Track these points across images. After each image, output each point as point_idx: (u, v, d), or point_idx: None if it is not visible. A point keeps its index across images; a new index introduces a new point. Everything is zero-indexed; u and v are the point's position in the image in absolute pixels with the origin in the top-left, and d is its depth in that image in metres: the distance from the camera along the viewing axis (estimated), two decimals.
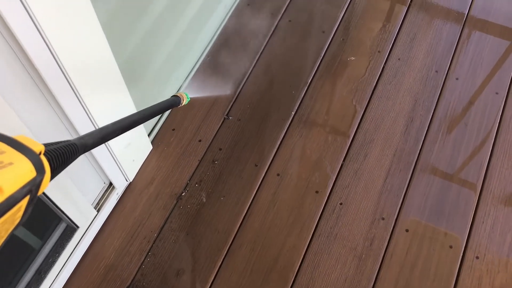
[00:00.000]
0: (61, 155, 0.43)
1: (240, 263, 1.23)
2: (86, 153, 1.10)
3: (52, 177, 0.41)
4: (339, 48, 1.58)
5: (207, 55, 1.55)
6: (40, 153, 0.38)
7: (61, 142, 0.45)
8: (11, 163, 0.33)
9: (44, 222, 1.12)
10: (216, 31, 1.58)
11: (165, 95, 1.42)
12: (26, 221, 1.01)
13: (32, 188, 0.35)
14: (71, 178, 1.07)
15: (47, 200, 1.00)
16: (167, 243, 1.25)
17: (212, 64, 1.54)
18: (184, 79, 1.49)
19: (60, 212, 1.07)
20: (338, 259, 1.24)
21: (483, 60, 1.56)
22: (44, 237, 1.12)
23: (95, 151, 1.09)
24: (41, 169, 0.37)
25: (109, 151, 1.13)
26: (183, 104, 0.98)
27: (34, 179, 0.35)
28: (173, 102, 0.93)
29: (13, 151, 0.35)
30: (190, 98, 1.04)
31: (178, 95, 0.99)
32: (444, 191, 1.33)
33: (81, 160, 1.12)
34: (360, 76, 1.52)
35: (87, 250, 1.23)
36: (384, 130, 1.43)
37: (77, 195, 1.11)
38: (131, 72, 1.12)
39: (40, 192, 0.38)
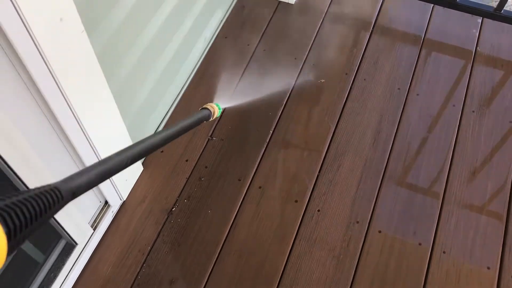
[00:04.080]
0: (26, 211, 0.30)
1: (228, 269, 1.33)
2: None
3: (14, 245, 0.29)
4: (310, 72, 1.74)
5: (188, 87, 1.69)
6: None
7: (35, 189, 0.33)
8: None
9: (46, 237, 1.21)
10: (196, 64, 1.73)
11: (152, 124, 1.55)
12: (32, 237, 1.10)
13: None
14: None
15: None
16: (160, 255, 1.35)
17: (194, 93, 1.68)
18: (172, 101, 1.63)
19: (60, 228, 1.17)
20: (318, 260, 1.35)
21: (440, 77, 1.74)
22: (46, 252, 1.22)
23: None
24: None
25: None
26: (215, 117, 0.83)
27: None
28: (202, 117, 0.79)
29: None
30: (223, 109, 0.88)
31: (208, 107, 0.84)
32: (411, 195, 1.47)
33: None
34: (331, 96, 1.68)
35: (86, 265, 1.32)
36: (354, 143, 1.57)
37: (76, 213, 1.22)
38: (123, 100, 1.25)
39: None
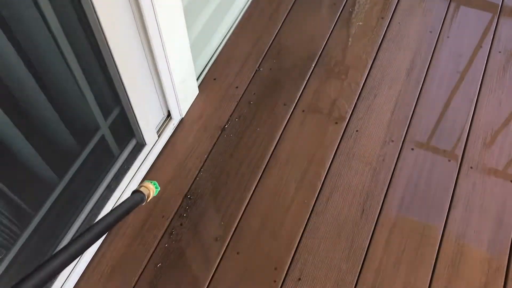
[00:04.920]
0: None
1: (277, 174, 1.50)
2: (154, 78, 1.38)
3: None
4: (348, 16, 1.89)
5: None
6: None
7: None
8: None
9: (122, 135, 1.39)
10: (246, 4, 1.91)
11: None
12: (113, 132, 1.28)
13: None
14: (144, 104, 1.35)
15: (130, 109, 1.28)
16: (215, 161, 1.52)
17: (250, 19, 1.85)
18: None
19: (136, 124, 1.34)
20: (356, 171, 1.51)
21: (469, 23, 1.88)
22: (121, 147, 1.40)
23: (162, 76, 1.37)
24: None
25: (171, 80, 1.42)
26: (150, 198, 0.78)
27: None
28: (134, 204, 0.71)
29: None
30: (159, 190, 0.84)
31: (142, 189, 0.78)
32: (442, 118, 1.61)
33: (149, 90, 1.40)
34: (367, 36, 1.83)
35: (153, 164, 1.50)
36: (389, 76, 1.72)
37: (148, 115, 1.39)
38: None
39: None
